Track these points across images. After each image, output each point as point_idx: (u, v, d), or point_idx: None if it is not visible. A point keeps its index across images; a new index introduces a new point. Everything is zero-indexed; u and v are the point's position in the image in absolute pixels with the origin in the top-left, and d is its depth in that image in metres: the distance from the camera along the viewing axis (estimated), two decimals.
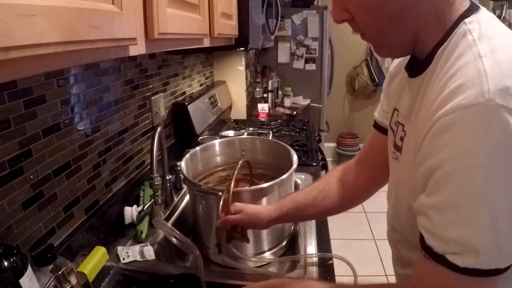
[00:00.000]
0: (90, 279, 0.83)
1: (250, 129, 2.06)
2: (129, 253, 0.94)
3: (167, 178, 1.21)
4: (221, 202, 0.86)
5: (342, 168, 0.89)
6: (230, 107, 2.37)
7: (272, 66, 3.17)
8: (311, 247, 0.99)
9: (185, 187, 1.35)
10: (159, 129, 1.01)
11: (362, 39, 0.59)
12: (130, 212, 1.07)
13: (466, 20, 0.50)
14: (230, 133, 1.89)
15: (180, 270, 0.90)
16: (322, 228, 1.08)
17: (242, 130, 2.00)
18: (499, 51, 0.45)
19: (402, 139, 0.62)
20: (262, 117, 2.46)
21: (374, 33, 0.55)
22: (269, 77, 2.91)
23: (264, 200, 0.94)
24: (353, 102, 4.09)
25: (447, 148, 0.43)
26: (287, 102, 2.92)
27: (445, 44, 0.51)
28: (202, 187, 0.96)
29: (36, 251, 0.68)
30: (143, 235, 1.02)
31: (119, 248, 0.96)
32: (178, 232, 0.87)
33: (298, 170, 1.06)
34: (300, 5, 3.12)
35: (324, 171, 1.82)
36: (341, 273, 0.94)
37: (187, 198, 1.31)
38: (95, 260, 0.87)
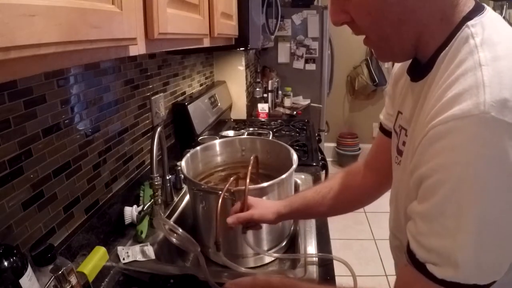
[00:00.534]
0: (90, 279, 0.83)
1: (250, 129, 2.06)
2: (129, 253, 0.94)
3: (167, 178, 1.21)
4: (220, 200, 0.86)
5: (350, 169, 0.88)
6: (230, 107, 2.37)
7: (272, 66, 3.17)
8: (311, 247, 0.99)
9: (185, 187, 1.35)
10: (159, 129, 1.01)
11: (363, 42, 0.58)
12: (130, 212, 1.07)
13: (469, 23, 0.48)
14: (230, 133, 1.89)
15: (180, 270, 0.90)
16: (322, 228, 1.08)
17: (242, 130, 2.00)
18: (501, 58, 0.44)
19: (404, 143, 0.61)
20: (262, 117, 2.46)
21: (375, 36, 0.54)
22: (269, 77, 2.91)
23: (264, 200, 0.94)
24: (353, 102, 4.09)
25: (438, 158, 0.43)
26: (287, 102, 2.92)
27: (447, 48, 0.50)
28: (203, 186, 0.96)
29: (36, 251, 0.68)
30: (143, 235, 1.02)
31: (119, 248, 0.96)
32: (179, 228, 0.87)
33: (298, 170, 1.06)
34: (300, 5, 3.12)
35: (324, 171, 1.82)
36: (341, 273, 0.94)
37: (187, 198, 1.31)
38: (95, 260, 0.87)
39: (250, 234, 0.88)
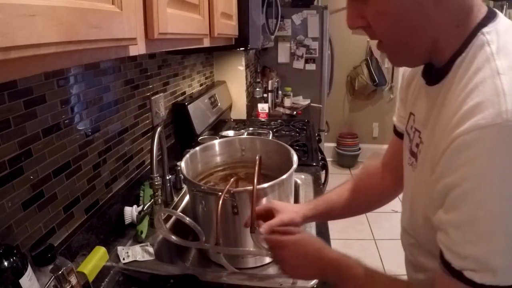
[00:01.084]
0: (90, 279, 0.83)
1: (250, 129, 2.06)
2: (129, 253, 0.95)
3: (167, 178, 1.21)
4: (220, 202, 0.86)
5: (369, 170, 0.90)
6: (230, 107, 2.37)
7: (272, 66, 3.17)
8: None
9: (185, 187, 1.35)
10: (159, 129, 1.01)
11: (377, 47, 0.58)
12: (130, 212, 1.07)
13: (484, 30, 0.50)
14: (230, 133, 1.89)
15: (180, 270, 0.90)
16: (322, 228, 1.08)
17: (242, 130, 2.00)
18: None
19: (418, 145, 0.62)
20: (262, 117, 2.46)
21: (391, 41, 0.55)
22: (269, 77, 2.91)
23: (264, 200, 0.94)
24: (353, 102, 4.09)
25: (465, 167, 0.44)
26: (287, 102, 2.92)
27: (463, 54, 0.51)
28: (202, 187, 0.96)
29: (36, 251, 0.68)
30: (143, 235, 1.02)
31: (119, 248, 0.96)
32: (186, 217, 0.88)
33: (298, 170, 1.06)
34: (300, 5, 3.12)
35: (324, 171, 1.82)
36: None
37: (187, 198, 1.31)
38: (95, 260, 0.87)
39: (257, 233, 0.88)
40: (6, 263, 0.58)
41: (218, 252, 0.88)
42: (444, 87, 0.54)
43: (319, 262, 0.68)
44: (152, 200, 1.03)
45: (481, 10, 0.52)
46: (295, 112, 2.72)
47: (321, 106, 3.28)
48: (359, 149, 4.01)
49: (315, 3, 3.38)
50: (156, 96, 1.37)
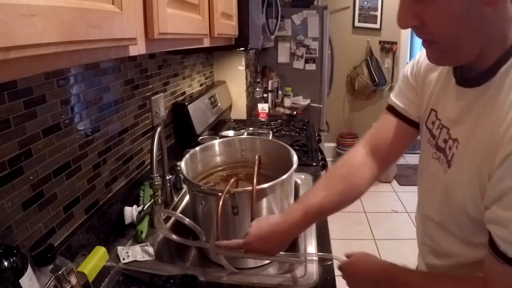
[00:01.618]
0: (90, 279, 0.83)
1: (250, 129, 2.06)
2: (129, 253, 0.95)
3: (167, 178, 1.21)
4: (221, 203, 0.86)
5: (351, 170, 0.86)
6: (230, 107, 2.37)
7: (272, 66, 3.17)
8: (311, 247, 1.00)
9: (185, 187, 1.35)
10: (159, 129, 1.01)
11: (423, 44, 0.59)
12: (130, 212, 1.07)
13: None
14: (230, 133, 1.89)
15: (180, 270, 0.90)
16: (322, 228, 1.08)
17: (242, 130, 2.00)
18: None
19: (446, 141, 0.65)
20: (262, 117, 2.46)
21: (447, 43, 0.56)
22: (269, 77, 2.91)
23: (264, 200, 0.94)
24: (353, 102, 4.09)
25: None
26: (287, 102, 2.92)
27: (508, 63, 0.54)
28: (202, 187, 0.96)
29: (36, 251, 0.68)
30: (143, 235, 1.02)
31: (119, 248, 0.96)
32: (186, 218, 0.89)
33: (298, 170, 1.06)
34: (300, 5, 3.12)
35: (324, 171, 1.82)
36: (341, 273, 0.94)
37: (187, 198, 1.31)
38: (95, 260, 0.87)
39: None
40: (6, 263, 0.58)
41: (218, 253, 0.88)
42: (488, 92, 0.56)
43: (372, 276, 0.75)
44: (152, 200, 1.03)
45: None
46: (295, 112, 2.72)
47: (321, 106, 3.28)
48: None
49: (315, 3, 3.38)
50: (156, 96, 1.37)
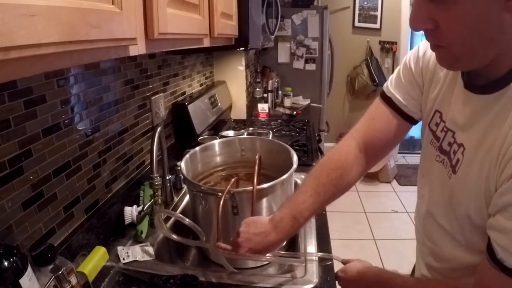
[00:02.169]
0: (90, 279, 0.83)
1: (250, 129, 2.06)
2: (129, 253, 0.95)
3: (167, 178, 1.21)
4: (221, 203, 0.86)
5: (343, 172, 0.82)
6: (230, 107, 2.37)
7: (272, 66, 3.17)
8: (311, 247, 1.00)
9: (185, 187, 1.35)
10: (159, 129, 1.01)
11: (431, 48, 0.58)
12: (130, 212, 1.07)
13: None
14: (230, 133, 1.89)
15: (180, 270, 0.90)
16: (322, 228, 1.08)
17: (242, 130, 2.00)
18: None
19: (451, 145, 0.65)
20: (262, 117, 2.46)
21: (461, 49, 0.54)
22: (269, 77, 2.91)
23: (264, 200, 0.94)
24: (353, 102, 4.09)
25: None
26: (287, 102, 2.92)
27: None
28: (202, 187, 0.96)
29: (36, 251, 0.68)
30: (143, 235, 1.02)
31: (119, 248, 0.96)
32: (186, 218, 0.89)
33: (298, 170, 1.06)
34: (300, 5, 3.12)
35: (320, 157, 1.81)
36: None
37: (187, 198, 1.31)
38: (95, 260, 0.87)
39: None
40: (6, 263, 0.58)
41: (218, 254, 0.88)
42: (501, 102, 0.55)
43: (364, 280, 0.79)
44: (152, 200, 1.03)
45: None
46: (295, 112, 2.72)
47: (321, 106, 3.28)
48: None
49: (315, 3, 3.38)
50: (156, 96, 1.37)
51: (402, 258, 2.35)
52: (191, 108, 1.59)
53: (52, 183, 0.83)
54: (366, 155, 0.84)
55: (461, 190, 0.62)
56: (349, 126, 0.89)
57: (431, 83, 0.72)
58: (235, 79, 2.36)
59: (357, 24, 3.80)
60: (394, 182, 3.66)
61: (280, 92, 3.04)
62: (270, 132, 1.95)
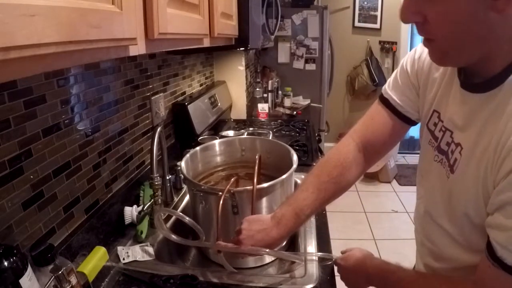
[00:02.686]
0: (90, 279, 0.83)
1: (250, 129, 2.06)
2: (129, 253, 0.95)
3: (167, 178, 1.21)
4: (221, 202, 0.86)
5: (343, 170, 0.83)
6: (230, 107, 2.37)
7: (272, 66, 3.17)
8: (311, 247, 1.00)
9: (185, 187, 1.35)
10: (159, 129, 1.01)
11: (423, 44, 0.58)
12: (130, 212, 1.07)
13: None
14: (230, 133, 1.89)
15: (180, 270, 0.90)
16: (322, 228, 1.08)
17: (242, 130, 2.00)
18: None
19: (449, 145, 0.65)
20: (262, 117, 2.46)
21: (448, 44, 0.55)
22: (269, 77, 2.91)
23: (264, 200, 0.94)
24: (353, 102, 4.09)
25: None
26: (287, 102, 2.92)
27: None
28: (202, 186, 0.96)
29: (36, 251, 0.68)
30: (143, 235, 1.02)
31: (119, 248, 0.96)
32: (186, 216, 0.88)
33: (298, 170, 1.06)
34: (300, 5, 3.12)
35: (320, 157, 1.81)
36: None
37: (187, 198, 1.31)
38: (95, 260, 0.87)
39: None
40: (6, 263, 0.58)
41: (218, 251, 0.88)
42: (496, 99, 0.55)
43: (365, 271, 0.78)
44: (152, 200, 1.03)
45: None
46: (295, 112, 2.72)
47: (321, 106, 3.28)
48: None
49: (315, 3, 3.38)
50: (156, 96, 1.37)
51: (402, 258, 2.34)
52: (191, 108, 1.59)
53: (52, 183, 0.83)
54: (365, 155, 0.86)
55: (460, 189, 0.62)
56: (349, 126, 0.90)
57: (427, 85, 0.73)
58: (235, 79, 2.36)
59: (357, 24, 3.80)
60: (394, 182, 3.66)
61: (280, 92, 3.04)
62: (270, 132, 1.95)
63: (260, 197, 0.93)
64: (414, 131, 3.64)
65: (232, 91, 2.38)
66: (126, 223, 1.06)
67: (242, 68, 2.35)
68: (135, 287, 0.85)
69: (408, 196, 3.34)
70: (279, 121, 2.36)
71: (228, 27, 1.20)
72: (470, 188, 0.59)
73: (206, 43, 1.00)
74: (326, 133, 3.60)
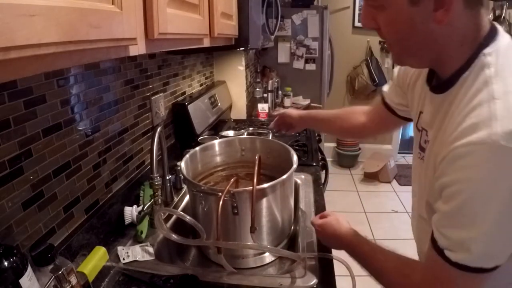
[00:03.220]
0: (90, 279, 0.83)
1: (250, 129, 2.05)
2: (129, 253, 0.95)
3: (167, 178, 1.21)
4: (221, 203, 0.86)
5: (357, 111, 1.12)
6: (230, 107, 2.37)
7: (272, 66, 3.17)
8: (311, 247, 0.99)
9: (185, 187, 1.35)
10: (159, 129, 1.01)
11: (387, 46, 0.69)
12: (130, 212, 1.07)
13: (485, 51, 0.58)
14: (230, 133, 1.89)
15: (180, 270, 0.90)
16: None
17: (242, 130, 2.00)
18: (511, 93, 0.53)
19: (426, 142, 0.71)
20: (262, 117, 2.46)
21: (398, 48, 0.64)
22: (269, 77, 2.91)
23: (264, 200, 0.94)
24: (353, 102, 4.08)
25: (458, 172, 0.54)
26: (287, 102, 2.92)
27: (466, 72, 0.59)
28: (202, 187, 0.96)
29: (36, 251, 0.68)
30: (143, 235, 1.02)
31: (119, 248, 0.96)
32: (187, 216, 0.89)
33: (298, 170, 1.06)
34: (300, 5, 3.12)
35: (324, 171, 1.82)
36: (341, 273, 0.94)
37: (187, 198, 1.31)
38: (95, 260, 0.87)
39: (257, 233, 0.89)
40: (6, 263, 0.58)
41: (219, 250, 0.88)
42: (448, 99, 0.62)
43: (339, 241, 0.88)
44: (152, 200, 1.03)
45: (484, 29, 0.59)
46: None
47: (321, 106, 3.28)
48: (359, 149, 4.01)
49: (315, 3, 3.38)
50: (156, 96, 1.37)
51: None
52: (191, 108, 1.59)
53: (52, 183, 0.83)
54: (367, 119, 1.08)
55: (425, 179, 0.69)
56: None
57: (414, 90, 0.80)
58: (235, 79, 2.36)
59: (357, 24, 3.79)
60: (394, 182, 3.66)
61: (280, 92, 3.04)
62: (270, 132, 1.95)
63: (260, 197, 0.93)
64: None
65: (232, 91, 2.38)
66: (126, 223, 1.06)
67: (242, 68, 2.34)
68: (135, 287, 0.85)
69: (408, 196, 3.32)
70: None
71: (228, 27, 1.20)
72: (429, 178, 0.65)
73: (206, 43, 1.00)
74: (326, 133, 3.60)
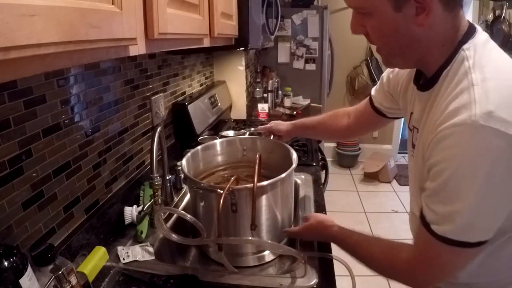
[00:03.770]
0: (90, 279, 0.83)
1: (252, 128, 2.05)
2: (129, 253, 0.95)
3: (167, 178, 1.21)
4: (221, 200, 0.86)
5: (340, 114, 1.18)
6: (230, 107, 2.37)
7: (272, 66, 3.16)
8: (311, 247, 0.99)
9: (185, 187, 1.35)
10: (159, 129, 1.01)
11: (376, 50, 0.72)
12: (130, 212, 1.07)
13: (464, 46, 0.63)
14: (230, 133, 1.89)
15: (180, 270, 0.90)
16: None
17: (243, 130, 2.00)
18: (489, 79, 0.58)
19: (417, 139, 0.74)
20: (262, 117, 2.46)
21: (386, 51, 0.69)
22: (269, 77, 2.91)
23: (263, 198, 0.94)
24: (353, 102, 4.08)
25: (443, 152, 0.59)
26: (287, 102, 2.92)
27: (448, 67, 0.64)
28: (203, 184, 0.96)
29: (36, 251, 0.69)
30: (143, 235, 1.02)
31: (119, 248, 0.96)
32: (187, 214, 0.89)
33: (298, 170, 1.06)
34: (300, 5, 3.12)
35: (324, 171, 1.82)
36: (341, 273, 0.94)
37: (187, 198, 1.31)
38: (95, 260, 0.87)
39: (257, 231, 0.90)
40: (6, 263, 0.58)
41: (219, 248, 0.88)
42: (433, 94, 0.67)
43: (324, 238, 0.94)
44: (152, 200, 1.03)
45: (463, 28, 0.64)
46: (295, 112, 2.71)
47: (321, 106, 3.28)
48: (359, 149, 4.01)
49: (315, 3, 3.38)
50: (156, 96, 1.37)
51: None
52: (191, 108, 1.59)
53: (52, 183, 0.83)
54: (352, 120, 1.13)
55: (415, 175, 0.72)
56: None
57: (406, 92, 0.83)
58: (235, 79, 2.36)
59: None
60: (394, 182, 3.66)
61: (280, 92, 3.04)
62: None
63: (260, 195, 0.93)
64: None
65: (232, 91, 2.38)
66: (126, 223, 1.06)
67: (242, 68, 2.34)
68: (135, 287, 0.85)
69: (408, 196, 3.33)
70: None
71: (228, 27, 1.20)
72: (419, 171, 0.68)
73: (206, 43, 1.00)
74: None
